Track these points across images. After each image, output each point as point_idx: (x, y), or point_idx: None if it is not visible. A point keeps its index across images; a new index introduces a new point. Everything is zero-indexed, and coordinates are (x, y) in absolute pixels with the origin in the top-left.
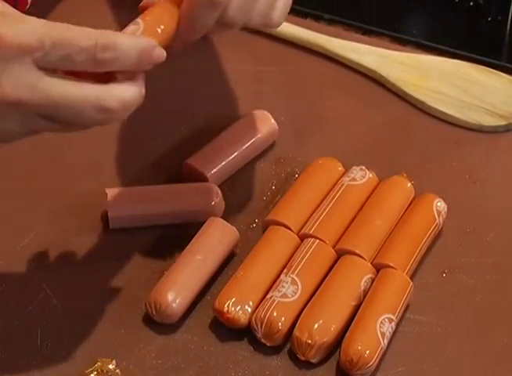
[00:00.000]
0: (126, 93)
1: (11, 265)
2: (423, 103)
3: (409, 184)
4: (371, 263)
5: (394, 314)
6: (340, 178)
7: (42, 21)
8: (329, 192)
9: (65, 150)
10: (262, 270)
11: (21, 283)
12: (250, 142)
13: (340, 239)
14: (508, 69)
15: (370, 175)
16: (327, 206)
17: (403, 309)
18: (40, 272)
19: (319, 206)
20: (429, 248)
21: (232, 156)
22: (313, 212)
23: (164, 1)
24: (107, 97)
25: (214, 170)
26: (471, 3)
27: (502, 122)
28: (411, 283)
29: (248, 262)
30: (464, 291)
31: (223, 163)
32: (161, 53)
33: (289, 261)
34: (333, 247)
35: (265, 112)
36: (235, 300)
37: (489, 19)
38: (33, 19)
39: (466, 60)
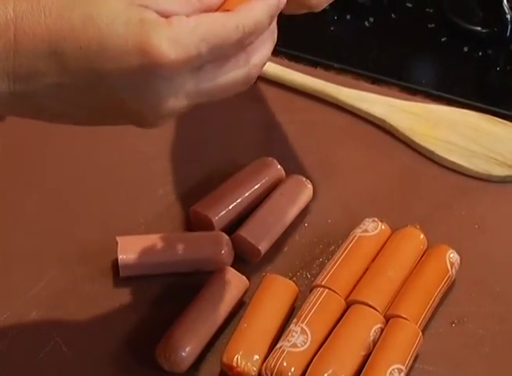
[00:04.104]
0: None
1: (21, 313)
2: (432, 152)
3: (421, 235)
4: (384, 315)
5: (403, 364)
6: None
7: (190, 21)
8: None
9: (74, 198)
10: (266, 320)
11: (31, 331)
12: (255, 188)
13: (352, 290)
14: None
15: (383, 227)
16: (339, 257)
17: (412, 358)
18: (50, 320)
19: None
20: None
21: (238, 200)
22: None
23: None
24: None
25: (221, 214)
26: (480, 53)
27: (511, 172)
28: (420, 332)
29: (251, 313)
30: (473, 342)
31: (229, 207)
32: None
33: (290, 309)
34: (345, 298)
35: (271, 158)
36: (242, 353)
37: (498, 69)
38: (177, 20)
39: (475, 110)
